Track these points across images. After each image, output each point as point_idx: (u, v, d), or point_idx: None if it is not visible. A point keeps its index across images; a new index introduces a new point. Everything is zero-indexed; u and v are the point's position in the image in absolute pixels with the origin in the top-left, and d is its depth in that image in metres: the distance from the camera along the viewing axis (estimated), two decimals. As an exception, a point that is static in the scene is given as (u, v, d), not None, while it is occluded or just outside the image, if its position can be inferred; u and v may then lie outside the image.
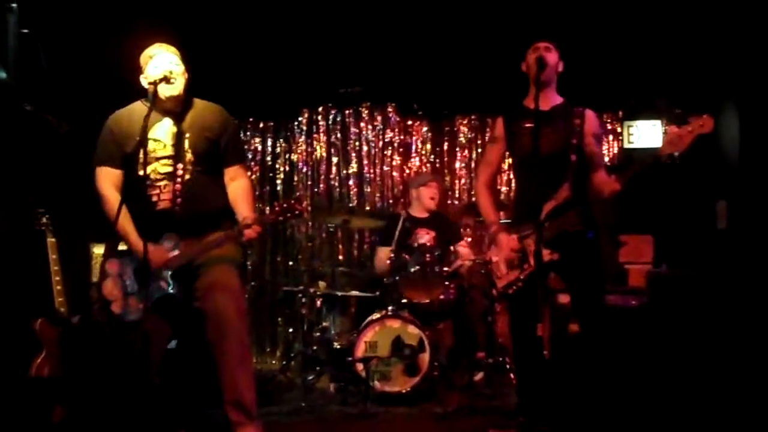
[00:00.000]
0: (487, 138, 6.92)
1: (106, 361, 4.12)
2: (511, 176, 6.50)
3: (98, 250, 5.20)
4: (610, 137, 7.08)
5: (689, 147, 3.55)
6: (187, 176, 3.73)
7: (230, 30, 6.27)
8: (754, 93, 5.64)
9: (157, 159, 3.73)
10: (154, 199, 3.72)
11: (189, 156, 3.75)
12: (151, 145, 3.71)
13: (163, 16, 5.32)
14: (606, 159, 6.98)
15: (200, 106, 3.90)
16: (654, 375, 4.49)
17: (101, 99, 4.33)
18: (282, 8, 6.16)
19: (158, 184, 3.72)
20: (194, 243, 3.66)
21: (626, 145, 6.87)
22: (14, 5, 3.77)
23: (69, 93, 5.38)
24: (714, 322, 4.63)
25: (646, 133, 6.75)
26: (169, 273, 3.67)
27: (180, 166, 3.73)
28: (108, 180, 3.79)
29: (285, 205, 3.59)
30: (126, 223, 3.67)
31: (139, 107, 3.82)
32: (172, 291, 3.66)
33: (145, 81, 3.76)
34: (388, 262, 5.60)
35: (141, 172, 3.64)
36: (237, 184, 3.85)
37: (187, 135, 3.76)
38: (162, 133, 3.76)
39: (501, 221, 4.27)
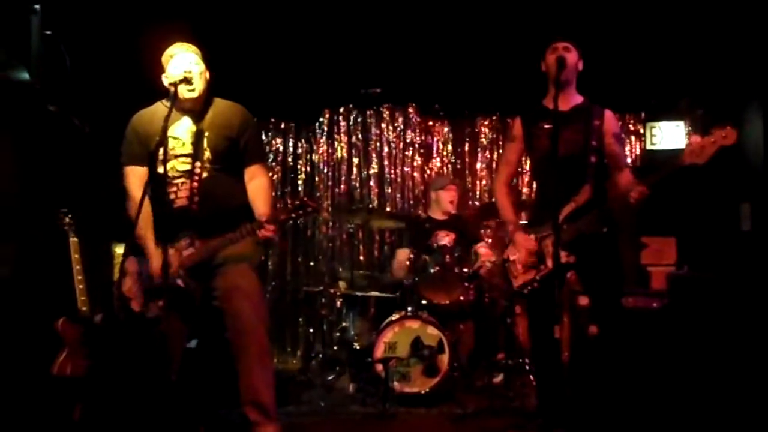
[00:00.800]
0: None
1: (126, 360, 4.16)
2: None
3: (120, 249, 5.23)
4: (633, 138, 7.04)
5: (711, 158, 3.50)
6: (205, 174, 3.75)
7: (252, 30, 6.29)
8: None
9: (176, 157, 3.75)
10: (172, 196, 3.73)
11: (207, 154, 3.76)
12: (170, 143, 3.73)
13: (185, 16, 5.35)
14: (628, 160, 6.95)
15: (221, 105, 3.91)
16: (674, 378, 4.45)
17: (124, 100, 4.35)
18: (304, 9, 6.17)
19: (176, 181, 3.74)
20: (210, 241, 3.67)
21: (649, 147, 6.83)
22: (37, 7, 3.80)
23: (92, 94, 5.44)
24: (735, 325, 4.58)
25: (669, 134, 6.70)
26: (186, 270, 3.68)
27: (198, 164, 3.74)
28: (137, 179, 3.80)
29: (298, 203, 3.57)
30: (146, 229, 3.69)
31: (161, 107, 3.84)
32: (188, 289, 3.68)
33: (166, 81, 3.79)
34: (408, 263, 5.60)
35: (160, 170, 3.66)
36: (256, 183, 3.85)
37: (207, 134, 3.78)
38: (182, 131, 3.79)
39: (519, 222, 4.26)
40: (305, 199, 3.61)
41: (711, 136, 3.50)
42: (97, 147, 4.79)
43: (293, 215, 3.58)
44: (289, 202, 3.64)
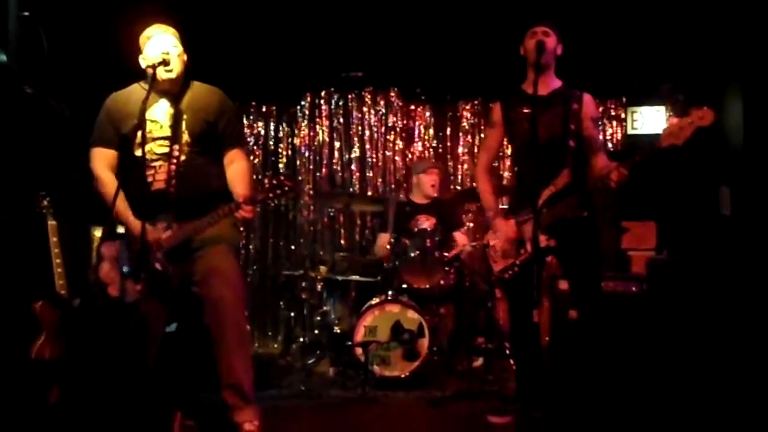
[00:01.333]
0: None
1: (104, 344, 4.14)
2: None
3: (98, 233, 5.22)
4: (614, 123, 7.06)
5: (689, 139, 3.52)
6: (183, 157, 3.72)
7: (233, 13, 6.25)
8: (759, 78, 5.60)
9: (154, 139, 3.72)
10: (150, 179, 3.70)
11: (186, 137, 3.73)
12: (148, 126, 3.70)
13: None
14: (610, 145, 6.97)
15: (199, 88, 3.88)
16: (653, 362, 4.48)
17: (102, 82, 4.31)
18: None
19: (154, 164, 3.71)
20: (187, 224, 3.65)
21: (630, 131, 6.84)
22: (14, -12, 3.76)
23: (70, 76, 5.38)
24: (715, 309, 4.61)
25: (650, 119, 6.72)
26: (164, 253, 3.66)
27: (176, 147, 3.71)
28: (102, 160, 3.79)
29: (275, 182, 3.53)
30: (122, 204, 3.67)
31: (137, 88, 3.81)
32: (166, 272, 3.66)
33: (143, 62, 3.75)
34: (388, 246, 5.60)
35: (138, 153, 3.63)
36: (235, 167, 3.83)
37: (185, 116, 3.75)
38: (159, 113, 3.75)
39: (500, 207, 4.26)
40: (282, 178, 3.56)
41: (688, 117, 3.52)
42: (74, 129, 4.74)
43: (270, 194, 3.55)
44: (266, 181, 3.58)
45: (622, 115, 7.00)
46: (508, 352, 5.42)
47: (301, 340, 6.05)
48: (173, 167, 3.69)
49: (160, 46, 3.71)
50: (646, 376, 4.40)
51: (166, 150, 3.71)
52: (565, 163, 3.91)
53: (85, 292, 4.56)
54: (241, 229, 3.99)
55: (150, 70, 3.65)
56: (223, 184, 3.76)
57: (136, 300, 3.57)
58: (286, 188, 3.53)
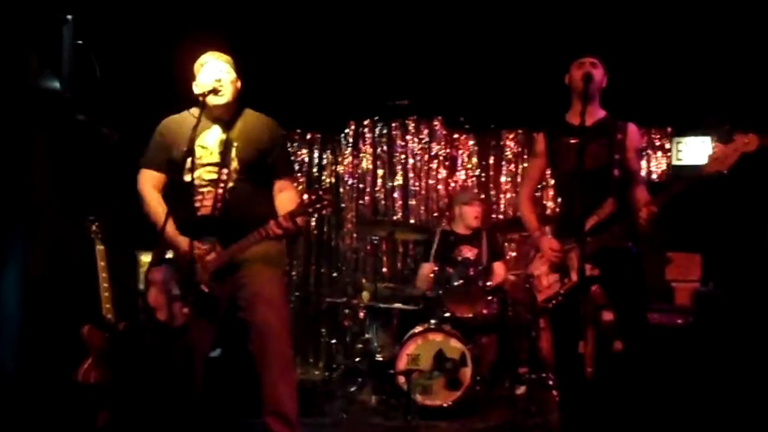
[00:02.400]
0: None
1: (151, 368, 4.17)
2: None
3: (145, 258, 5.29)
4: (659, 153, 7.00)
5: (734, 165, 3.49)
6: (231, 184, 3.75)
7: (279, 41, 6.33)
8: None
9: (203, 165, 3.76)
10: (197, 204, 3.73)
11: (235, 164, 3.77)
12: (198, 152, 3.74)
13: (214, 26, 5.40)
14: (654, 176, 6.92)
15: (251, 116, 3.91)
16: (698, 395, 4.42)
17: (152, 109, 4.39)
18: (331, 20, 6.20)
19: (202, 190, 3.75)
20: (231, 246, 3.67)
21: (675, 162, 6.80)
22: (69, 17, 3.85)
23: (121, 103, 5.49)
24: (761, 342, 4.54)
25: (695, 150, 6.67)
26: (210, 275, 3.68)
27: (225, 172, 3.75)
28: (150, 182, 3.84)
29: (313, 197, 3.53)
30: (171, 226, 3.71)
31: (191, 111, 3.85)
32: (213, 293, 3.69)
33: (196, 89, 3.81)
34: (431, 276, 5.59)
35: (187, 178, 3.69)
36: (285, 195, 3.83)
37: (235, 144, 3.79)
38: (210, 140, 3.80)
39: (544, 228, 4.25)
40: (321, 193, 3.56)
41: (733, 144, 3.50)
42: (124, 156, 4.83)
43: (310, 209, 3.56)
44: (305, 197, 3.59)
45: (667, 146, 6.94)
46: (551, 383, 5.36)
47: (343, 367, 6.04)
48: (220, 192, 3.73)
49: (213, 73, 3.76)
50: (691, 409, 4.34)
51: (215, 176, 3.75)
52: (610, 192, 3.90)
53: (131, 316, 4.62)
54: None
55: (201, 98, 3.71)
56: (269, 211, 3.77)
57: (183, 324, 3.61)
58: (325, 202, 3.54)
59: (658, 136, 7.01)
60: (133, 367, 4.43)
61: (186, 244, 3.55)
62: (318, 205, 3.52)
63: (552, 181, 6.46)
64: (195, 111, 3.77)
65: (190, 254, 3.49)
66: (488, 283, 5.57)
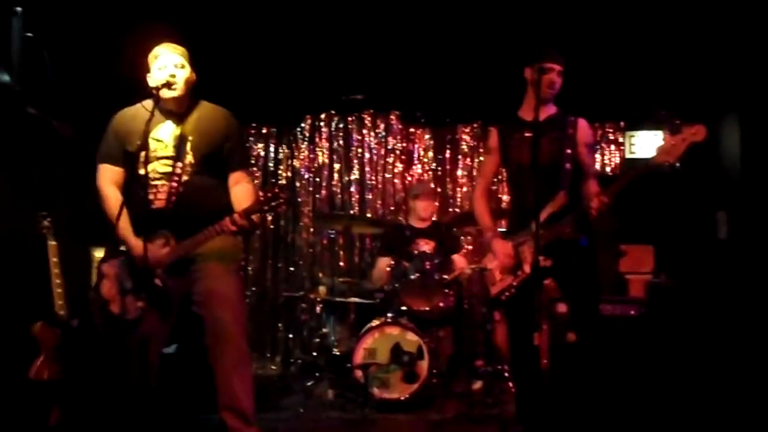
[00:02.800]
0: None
1: (105, 365, 4.13)
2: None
3: (99, 253, 5.20)
4: (612, 147, 7.10)
5: (682, 155, 3.56)
6: (185, 177, 3.72)
7: (234, 35, 6.28)
8: (755, 104, 5.65)
9: (158, 158, 3.73)
10: (151, 197, 3.71)
11: (189, 158, 3.74)
12: (152, 145, 3.72)
13: (167, 19, 5.33)
14: (608, 169, 7.01)
15: (206, 108, 3.88)
16: (652, 384, 4.49)
17: (105, 103, 4.33)
18: (286, 14, 6.17)
19: (156, 183, 3.72)
20: (186, 240, 3.65)
21: (628, 155, 6.91)
22: (19, 9, 3.78)
23: (73, 97, 5.41)
24: (713, 332, 4.63)
25: (648, 143, 6.79)
26: (164, 270, 3.66)
27: (179, 165, 3.72)
28: (108, 177, 3.80)
29: (269, 194, 3.53)
30: (124, 223, 3.68)
31: (145, 105, 3.81)
32: (166, 287, 3.66)
33: (150, 82, 3.77)
34: (388, 269, 5.60)
35: (141, 171, 3.66)
36: (240, 188, 3.82)
37: (190, 137, 3.76)
38: (164, 133, 3.77)
39: (498, 229, 4.29)
40: (277, 190, 3.55)
41: (681, 134, 3.57)
42: (76, 150, 4.76)
43: (266, 207, 3.55)
44: (261, 194, 3.59)
45: (620, 139, 7.04)
46: (507, 375, 5.41)
47: (300, 361, 6.03)
48: (174, 186, 3.70)
49: (167, 66, 3.73)
50: (645, 399, 4.41)
51: (169, 170, 3.72)
52: (562, 185, 3.95)
53: (84, 313, 4.56)
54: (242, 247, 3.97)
55: (154, 92, 3.68)
56: (224, 204, 3.75)
57: (137, 317, 3.58)
58: (281, 200, 3.53)
59: (611, 130, 7.10)
60: (86, 362, 4.37)
61: (139, 246, 3.52)
62: (273, 203, 3.52)
63: (505, 176, 6.56)
64: (148, 103, 3.75)
65: (143, 256, 3.46)
66: (445, 277, 5.59)
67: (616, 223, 5.99)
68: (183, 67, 3.78)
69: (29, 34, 3.86)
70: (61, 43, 4.58)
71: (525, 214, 3.89)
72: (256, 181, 7.23)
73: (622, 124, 7.03)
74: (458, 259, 6.03)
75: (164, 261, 3.65)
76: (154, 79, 3.73)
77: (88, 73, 5.71)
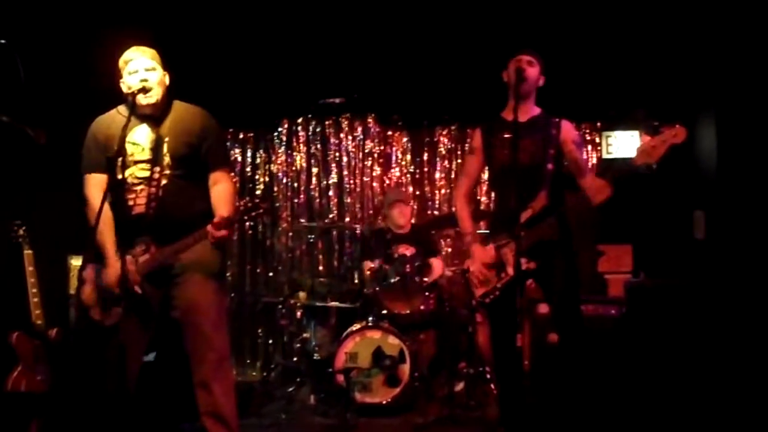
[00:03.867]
0: (466, 149, 6.94)
1: (83, 374, 4.09)
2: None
3: (76, 262, 5.17)
4: (589, 147, 7.12)
5: (662, 157, 3.57)
6: (164, 181, 3.68)
7: (210, 39, 6.26)
8: (732, 104, 5.69)
9: (135, 163, 3.69)
10: (131, 203, 3.67)
11: (167, 160, 3.69)
12: (129, 149, 3.68)
13: (142, 24, 5.30)
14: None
15: (181, 108, 3.83)
16: (632, 384, 4.51)
17: (80, 110, 4.29)
18: (262, 19, 6.15)
19: (135, 188, 3.68)
20: (165, 248, 3.62)
21: (605, 155, 6.93)
22: (-10, 16, 3.74)
23: (47, 104, 5.35)
24: (692, 331, 4.65)
25: (624, 144, 6.81)
26: (143, 277, 3.62)
27: (157, 170, 3.68)
28: (96, 186, 3.73)
29: (249, 204, 3.51)
30: (106, 236, 3.64)
31: (120, 110, 3.77)
32: (146, 295, 3.63)
33: (124, 87, 3.73)
34: (367, 272, 5.60)
35: (119, 176, 3.62)
36: (219, 188, 3.77)
37: (166, 139, 3.71)
38: (141, 136, 3.72)
39: (478, 232, 4.29)
40: (257, 200, 3.54)
41: (661, 136, 3.57)
42: (51, 158, 4.71)
43: (245, 216, 3.54)
44: (240, 204, 3.57)
45: (597, 140, 7.07)
46: (489, 376, 5.42)
47: (281, 367, 6.00)
48: (153, 190, 3.66)
49: (139, 72, 3.68)
50: (626, 398, 4.43)
51: (148, 174, 3.69)
52: (543, 185, 3.95)
53: (63, 321, 4.51)
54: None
55: (129, 97, 3.65)
56: (207, 206, 3.71)
57: (115, 323, 3.55)
58: (261, 210, 3.51)
59: (588, 131, 7.12)
60: (65, 372, 4.32)
61: (117, 266, 3.51)
62: (253, 213, 3.51)
63: (486, 177, 6.57)
64: (123, 109, 3.71)
65: (122, 273, 3.44)
66: (425, 280, 5.59)
67: (594, 223, 6.02)
68: (154, 69, 3.73)
69: (1, 41, 3.82)
70: (34, 49, 4.54)
71: (507, 215, 3.89)
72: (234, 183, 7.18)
73: (598, 124, 7.05)
74: (435, 263, 6.03)
75: (144, 268, 3.62)
76: (127, 85, 3.69)
77: (62, 78, 5.65)
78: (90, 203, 3.74)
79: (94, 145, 3.78)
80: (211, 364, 3.67)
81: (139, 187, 3.68)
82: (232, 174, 7.15)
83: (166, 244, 3.61)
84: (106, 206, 3.55)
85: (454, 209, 4.49)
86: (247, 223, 6.94)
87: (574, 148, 4.04)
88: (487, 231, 4.38)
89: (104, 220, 3.53)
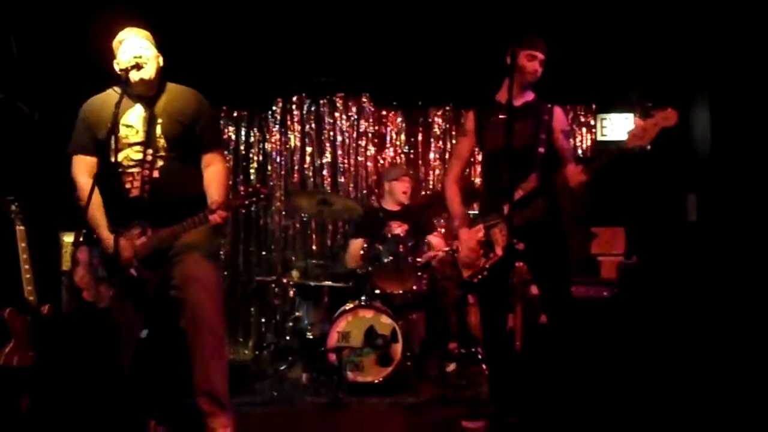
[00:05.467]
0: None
1: (76, 351, 4.09)
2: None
3: (68, 238, 5.16)
4: (584, 130, 7.13)
5: (654, 139, 3.58)
6: (160, 163, 3.68)
7: (204, 18, 6.22)
8: (725, 86, 5.69)
9: (130, 145, 3.68)
10: (127, 186, 3.66)
11: (161, 142, 3.69)
12: (123, 131, 3.67)
13: (136, 4, 5.27)
14: (579, 151, 7.05)
15: (174, 90, 3.82)
16: (624, 366, 4.53)
17: (73, 86, 4.27)
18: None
19: (130, 171, 3.67)
20: (162, 230, 3.62)
21: (599, 138, 6.93)
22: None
23: (40, 80, 5.33)
24: (683, 313, 4.68)
25: (619, 126, 6.81)
26: (139, 260, 3.62)
27: (150, 152, 3.67)
28: (83, 168, 3.74)
29: (251, 189, 3.53)
30: (98, 214, 3.63)
31: (112, 93, 3.75)
32: (141, 277, 3.63)
33: (117, 67, 3.72)
34: (362, 252, 5.59)
35: (113, 159, 3.61)
36: (212, 170, 3.78)
37: (160, 120, 3.70)
38: (134, 118, 3.71)
39: (467, 213, 4.30)
40: (258, 186, 3.57)
41: (652, 118, 3.59)
42: (44, 134, 4.69)
43: (246, 202, 3.54)
44: (242, 189, 3.58)
45: (592, 122, 7.07)
46: (480, 357, 5.44)
47: (273, 346, 6.02)
48: (147, 173, 3.65)
49: (133, 49, 3.67)
50: (617, 380, 4.45)
51: (142, 156, 3.68)
52: (534, 168, 3.96)
53: (55, 298, 4.51)
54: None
55: (123, 74, 3.63)
56: (201, 191, 3.71)
57: (109, 306, 3.55)
58: (262, 195, 3.52)
59: (582, 113, 7.12)
60: (57, 349, 4.33)
61: (110, 243, 3.53)
62: (254, 198, 3.51)
63: (480, 158, 6.56)
64: (118, 89, 3.69)
65: (115, 253, 3.45)
66: (418, 259, 5.59)
67: (586, 205, 6.03)
68: (149, 49, 3.72)
69: (-5, 19, 3.80)
70: (27, 25, 4.51)
71: (498, 196, 3.92)
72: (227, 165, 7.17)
73: (593, 106, 7.05)
74: (435, 240, 6.03)
75: (140, 251, 3.62)
76: (121, 63, 3.67)
77: (55, 55, 5.62)
78: (78, 184, 3.74)
79: (83, 126, 3.76)
80: (209, 343, 3.68)
81: (134, 170, 3.67)
82: (226, 153, 7.15)
83: (162, 226, 3.61)
84: (95, 188, 3.55)
85: (444, 192, 4.47)
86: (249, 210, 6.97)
87: (562, 137, 4.08)
88: (478, 211, 4.38)
89: (95, 203, 3.52)
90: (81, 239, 3.61)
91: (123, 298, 3.54)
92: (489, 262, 4.00)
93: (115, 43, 3.76)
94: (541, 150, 3.99)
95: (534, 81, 4.07)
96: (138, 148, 3.68)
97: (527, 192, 3.92)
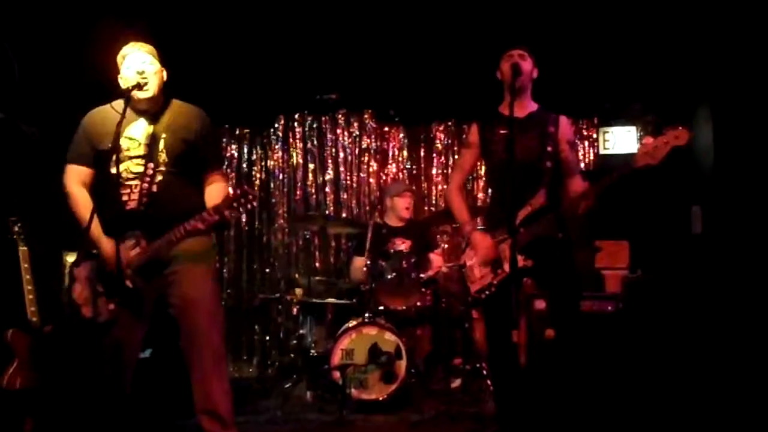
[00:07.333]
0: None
1: (78, 371, 4.07)
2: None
3: (71, 258, 5.15)
4: (586, 143, 7.12)
5: (664, 158, 3.55)
6: (159, 177, 3.67)
7: (207, 36, 6.24)
8: (728, 99, 5.69)
9: (130, 158, 3.67)
10: (125, 198, 3.65)
11: (163, 157, 3.69)
12: (125, 144, 3.66)
13: (138, 19, 5.28)
14: (582, 165, 7.03)
15: (179, 107, 3.82)
16: (630, 380, 4.50)
17: (74, 106, 4.27)
18: (259, 15, 6.13)
19: (129, 183, 3.66)
20: (155, 242, 3.60)
21: (602, 151, 6.92)
22: (-17, 12, 3.72)
23: (41, 100, 5.34)
24: (689, 326, 4.65)
25: (622, 139, 6.81)
26: (135, 270, 3.61)
27: (151, 166, 3.66)
28: (76, 177, 3.74)
29: (239, 191, 3.49)
30: (95, 224, 3.62)
31: (115, 105, 3.75)
32: (137, 287, 3.61)
33: (122, 82, 3.72)
34: (365, 269, 5.58)
35: (113, 170, 3.61)
36: (214, 188, 3.76)
37: (163, 136, 3.70)
38: (137, 132, 3.71)
39: (476, 219, 4.28)
40: (245, 187, 3.54)
41: (664, 137, 3.55)
42: (46, 154, 4.70)
43: (235, 204, 3.51)
44: (230, 192, 3.57)
45: (594, 135, 7.06)
46: (485, 372, 5.41)
47: (277, 363, 6.00)
48: (146, 186, 3.65)
49: (136, 64, 3.67)
50: (623, 394, 4.42)
51: (142, 169, 3.67)
52: (542, 183, 3.93)
53: (57, 318, 4.49)
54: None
55: (126, 93, 3.63)
56: (198, 204, 3.70)
57: (109, 320, 3.53)
58: (250, 197, 3.49)
59: (585, 127, 7.12)
60: (59, 369, 4.31)
61: (110, 247, 3.49)
62: (243, 200, 3.48)
63: (482, 172, 6.57)
64: (118, 104, 3.69)
65: (114, 257, 3.44)
66: (422, 276, 5.58)
67: (594, 221, 6.01)
68: (152, 65, 3.73)
69: (-5, 39, 3.80)
70: (28, 45, 4.52)
71: (504, 211, 3.86)
72: (229, 183, 7.17)
73: (595, 120, 7.05)
74: (434, 258, 6.02)
75: (135, 262, 3.60)
76: (125, 79, 3.68)
77: (56, 74, 5.63)
78: (69, 192, 3.74)
79: (83, 137, 3.76)
80: (209, 361, 3.66)
81: (133, 183, 3.66)
82: (229, 170, 7.17)
83: (157, 239, 3.60)
84: (90, 200, 3.59)
85: (448, 202, 4.44)
86: (244, 218, 6.96)
87: (568, 148, 4.02)
88: (483, 227, 4.36)
89: (90, 209, 3.52)
90: (80, 256, 3.60)
91: (121, 310, 3.52)
92: (497, 278, 3.97)
93: (119, 57, 3.76)
94: (549, 164, 3.94)
95: (523, 81, 3.95)
96: (139, 161, 3.68)
97: (535, 208, 3.89)
